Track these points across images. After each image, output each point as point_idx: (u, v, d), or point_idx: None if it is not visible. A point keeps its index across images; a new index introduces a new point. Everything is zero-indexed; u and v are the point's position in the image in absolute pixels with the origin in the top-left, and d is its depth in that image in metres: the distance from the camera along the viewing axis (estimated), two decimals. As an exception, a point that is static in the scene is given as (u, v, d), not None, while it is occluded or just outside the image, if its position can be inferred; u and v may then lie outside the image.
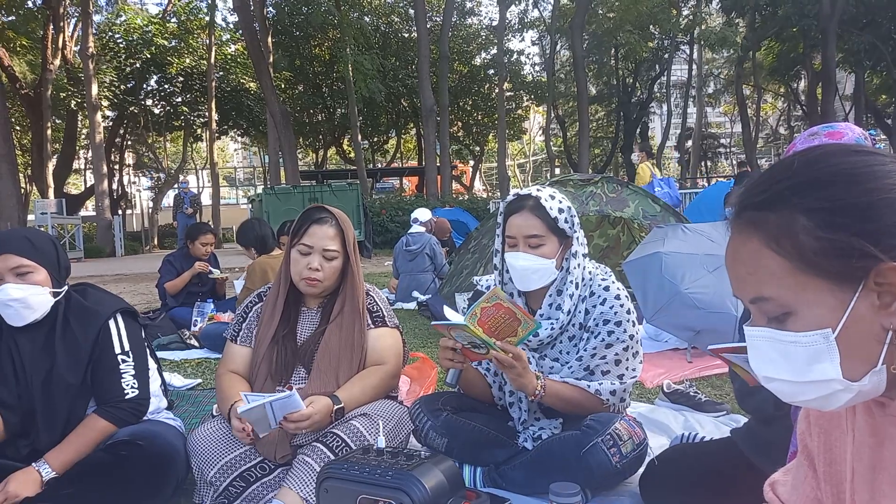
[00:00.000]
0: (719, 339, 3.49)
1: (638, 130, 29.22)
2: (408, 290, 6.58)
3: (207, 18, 22.82)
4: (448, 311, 2.06)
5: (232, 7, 21.35)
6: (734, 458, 1.76)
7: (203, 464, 1.99)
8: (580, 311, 2.04)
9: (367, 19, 24.10)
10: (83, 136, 24.51)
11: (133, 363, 2.08)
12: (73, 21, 21.74)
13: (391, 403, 2.14)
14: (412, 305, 6.25)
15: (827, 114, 19.81)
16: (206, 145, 26.80)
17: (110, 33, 23.53)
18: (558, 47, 28.58)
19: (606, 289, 2.04)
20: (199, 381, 3.82)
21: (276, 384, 2.13)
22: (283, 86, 24.23)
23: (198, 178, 35.44)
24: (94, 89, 18.48)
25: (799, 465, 1.03)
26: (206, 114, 23.78)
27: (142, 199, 31.32)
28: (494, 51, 26.20)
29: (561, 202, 2.02)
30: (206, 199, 26.06)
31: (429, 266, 6.71)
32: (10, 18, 19.42)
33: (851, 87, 26.72)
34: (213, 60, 22.34)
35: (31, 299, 1.96)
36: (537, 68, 31.14)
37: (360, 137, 23.19)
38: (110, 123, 24.52)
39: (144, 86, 24.61)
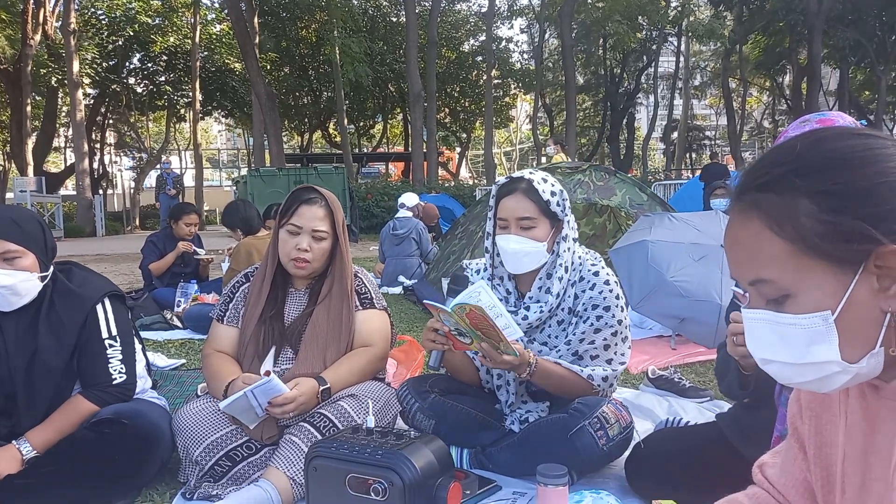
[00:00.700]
0: (703, 328, 3.54)
1: (625, 121, 29.30)
2: (394, 274, 6.57)
3: (192, -3, 22.44)
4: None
5: (218, -15, 21.03)
6: (718, 443, 1.78)
7: (189, 442, 1.98)
8: (569, 296, 2.05)
9: (355, 2, 23.82)
10: (64, 114, 24.06)
11: (120, 348, 2.04)
12: (54, -4, 21.29)
13: (379, 385, 2.14)
14: (398, 290, 6.24)
15: (811, 108, 19.98)
16: (190, 126, 26.43)
17: (92, 9, 23.06)
18: (547, 36, 28.51)
19: (596, 274, 2.04)
20: (183, 361, 3.79)
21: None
22: (268, 67, 23.95)
23: (181, 159, 35.01)
24: (76, 66, 18.14)
25: (788, 448, 1.04)
26: (190, 94, 23.45)
27: (123, 178, 30.88)
28: (483, 37, 26.10)
29: (553, 185, 2.02)
30: (189, 180, 25.82)
31: (415, 251, 6.70)
32: (-12, -9, 18.98)
33: (836, 83, 26.97)
34: (197, 40, 21.98)
35: (20, 286, 1.90)
36: (525, 56, 31.07)
37: (346, 121, 23.03)
38: (92, 101, 24.11)
39: (127, 64, 24.21)
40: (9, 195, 19.27)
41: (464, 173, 35.70)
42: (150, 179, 24.32)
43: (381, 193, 15.99)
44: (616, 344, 2.02)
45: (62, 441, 1.93)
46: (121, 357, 2.04)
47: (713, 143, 37.45)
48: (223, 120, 33.58)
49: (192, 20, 22.37)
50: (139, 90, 25.41)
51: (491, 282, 2.14)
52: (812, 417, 0.97)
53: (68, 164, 25.54)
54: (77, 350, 2.00)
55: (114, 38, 22.58)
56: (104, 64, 22.41)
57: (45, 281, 1.99)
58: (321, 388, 1.98)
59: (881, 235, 0.72)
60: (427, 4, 23.11)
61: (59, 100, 22.92)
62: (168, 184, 15.34)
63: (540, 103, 29.11)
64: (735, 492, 1.10)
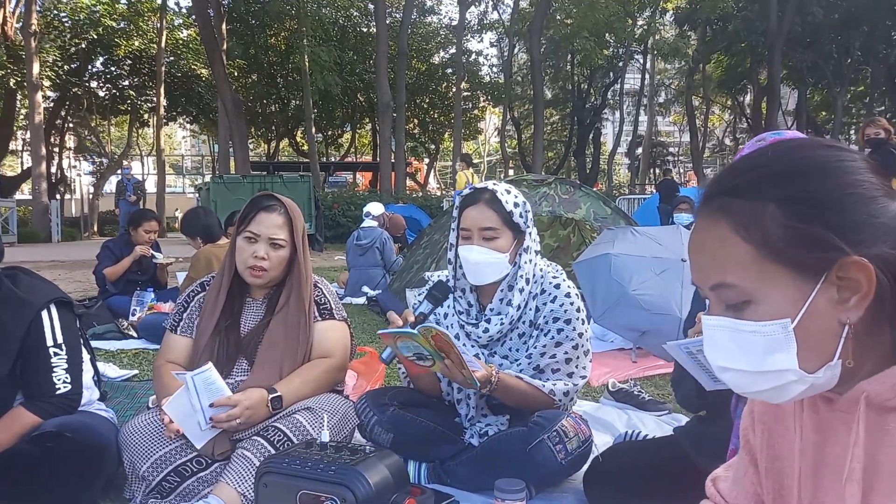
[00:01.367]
0: (664, 340, 3.56)
1: (591, 135, 29.75)
2: (357, 284, 6.50)
3: (159, 1, 22.09)
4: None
5: (185, -10, 20.78)
6: (676, 456, 1.78)
7: (135, 457, 1.91)
8: (531, 309, 2.04)
9: (325, 11, 23.74)
10: (21, 117, 23.40)
11: (66, 356, 1.96)
12: (14, -4, 20.75)
13: (336, 397, 2.09)
14: (362, 300, 6.18)
15: (770, 127, 20.53)
16: (153, 131, 25.96)
17: (55, 11, 22.54)
18: (516, 50, 28.84)
19: (557, 286, 2.04)
20: (136, 371, 3.68)
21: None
22: (236, 74, 23.70)
23: (143, 165, 34.35)
24: (36, 68, 17.67)
25: (740, 461, 1.04)
26: (154, 99, 23.03)
27: (82, 184, 30.13)
28: (453, 50, 26.24)
29: (517, 197, 2.02)
30: (151, 186, 25.30)
31: (379, 261, 6.65)
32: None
33: (794, 103, 27.82)
34: (163, 44, 21.64)
35: None
36: (495, 70, 31.39)
37: (314, 130, 22.88)
38: (51, 104, 23.51)
39: (90, 67, 23.68)
40: (-39, 198, 18.60)
41: (432, 184, 35.75)
42: (111, 185, 23.82)
43: (348, 203, 15.89)
44: (577, 357, 2.01)
45: (1, 455, 1.84)
46: (66, 366, 1.96)
47: (676, 158, 38.25)
48: (188, 126, 33.06)
49: (159, 25, 22.03)
50: (101, 94, 24.87)
51: (452, 294, 2.12)
52: (764, 430, 0.97)
53: (25, 167, 24.84)
54: (20, 358, 1.91)
55: (76, 40, 22.07)
56: (66, 67, 21.87)
57: None
58: (270, 396, 1.92)
59: (845, 246, 0.73)
60: (398, 16, 23.21)
61: (18, 102, 22.30)
62: (128, 190, 15.00)
63: (508, 116, 29.37)
64: (691, 502, 1.10)
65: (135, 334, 4.49)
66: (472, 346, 2.05)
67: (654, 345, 3.66)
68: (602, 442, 2.27)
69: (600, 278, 3.78)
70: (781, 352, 0.76)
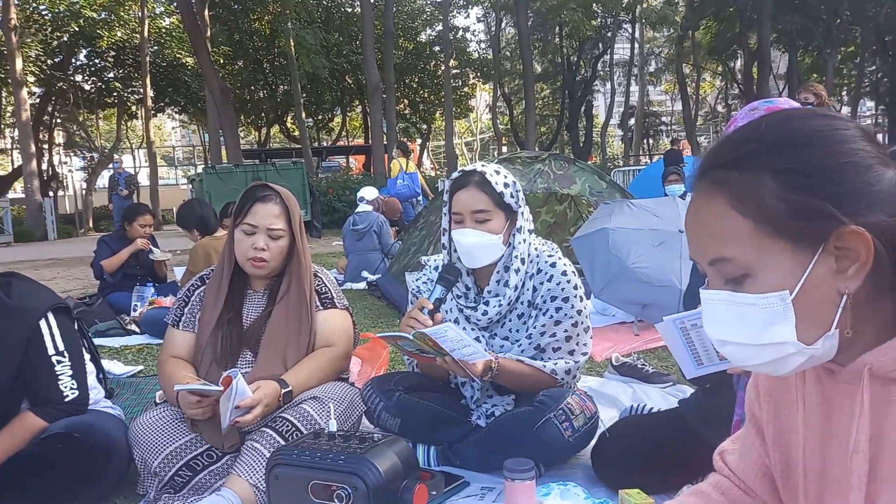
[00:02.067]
0: (665, 313, 3.58)
1: (583, 108, 29.58)
2: (357, 270, 6.50)
3: (140, -11, 21.77)
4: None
5: (166, -22, 20.49)
6: (682, 429, 1.80)
7: (146, 453, 1.92)
8: (528, 289, 2.04)
9: (308, -8, 23.43)
10: (8, 114, 23.16)
11: (69, 363, 1.96)
12: (-8, -10, 20.42)
13: (342, 385, 2.10)
14: (362, 286, 6.19)
15: (762, 92, 20.45)
16: (142, 123, 25.72)
17: (34, 4, 22.17)
18: (504, 24, 28.53)
19: (553, 265, 2.04)
20: (141, 367, 3.69)
21: (221, 369, 2.06)
22: (221, 61, 23.40)
23: (134, 158, 34.07)
24: (19, 64, 17.44)
25: (747, 434, 1.05)
26: (141, 90, 22.77)
27: (74, 179, 29.91)
28: (440, 27, 25.95)
29: (506, 177, 2.01)
30: (143, 179, 25.15)
31: (377, 245, 6.64)
32: (-80, -14, 18.09)
33: (785, 67, 27.67)
34: (146, 34, 21.35)
35: None
36: (483, 45, 31.06)
37: (304, 115, 22.69)
38: (37, 100, 23.24)
39: (73, 60, 23.38)
40: (-48, 200, 18.49)
41: (426, 164, 35.62)
42: (103, 180, 23.63)
43: (343, 187, 15.81)
44: (578, 335, 2.02)
45: (11, 459, 1.85)
46: (71, 373, 1.96)
47: (669, 128, 38.12)
48: (177, 116, 32.74)
49: (140, 13, 21.72)
50: (87, 87, 24.58)
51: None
52: (770, 402, 0.98)
53: (15, 166, 24.64)
54: (22, 369, 1.91)
55: (58, 34, 21.76)
56: (49, 61, 21.60)
57: None
58: (283, 391, 1.93)
59: (842, 215, 0.73)
60: (382, -6, 22.87)
61: (3, 99, 22.06)
62: (120, 184, 14.93)
63: (499, 93, 29.16)
64: (699, 475, 1.11)
65: (137, 330, 4.51)
66: (473, 329, 2.06)
67: (656, 317, 3.68)
68: (608, 417, 2.29)
69: (599, 253, 3.79)
70: (780, 324, 0.77)
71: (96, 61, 23.86)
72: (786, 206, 0.74)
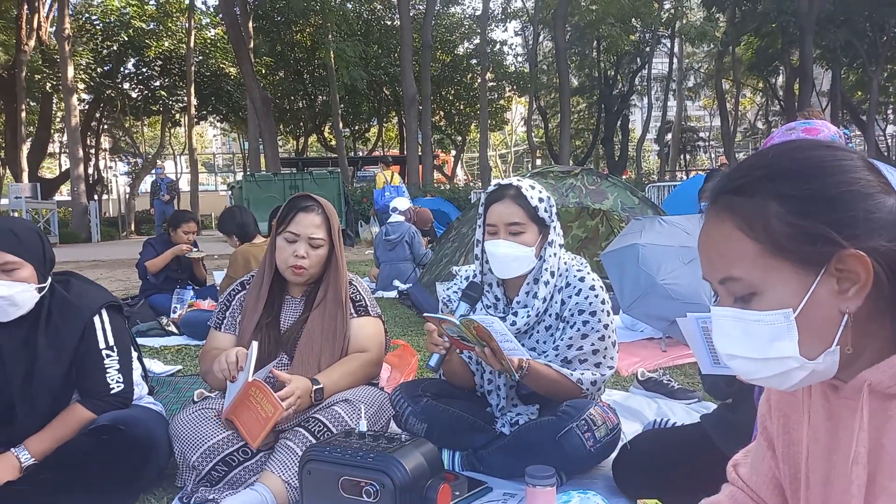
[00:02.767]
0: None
1: (619, 123, 29.41)
2: (388, 279, 6.61)
3: (187, 1, 22.46)
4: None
5: (212, -10, 21.06)
6: (703, 443, 1.82)
7: (186, 448, 2.01)
8: (556, 302, 2.09)
9: (349, 5, 23.87)
10: (58, 120, 24.05)
11: (118, 358, 2.07)
12: (48, 1, 21.27)
13: (373, 389, 2.18)
14: (393, 294, 6.28)
15: (804, 109, 20.07)
16: (185, 130, 26.43)
17: (87, 15, 23.09)
18: (541, 38, 28.60)
19: (582, 279, 2.09)
20: (180, 367, 3.83)
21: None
22: (263, 71, 23.97)
23: (176, 164, 34.97)
24: (70, 72, 18.14)
25: (758, 446, 1.09)
26: (185, 98, 23.48)
27: (118, 184, 30.85)
28: (477, 40, 26.14)
29: (541, 192, 2.08)
30: (184, 185, 25.79)
31: (408, 255, 6.74)
32: (-18, -3, 18.98)
33: (828, 84, 27.11)
34: (192, 44, 22.03)
35: (17, 297, 1.92)
36: (520, 59, 31.17)
37: (341, 125, 23.06)
38: (86, 107, 24.10)
39: (122, 69, 24.22)
40: (3, 201, 19.26)
41: (459, 176, 35.75)
42: (146, 185, 24.35)
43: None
44: (605, 348, 2.06)
45: (60, 448, 1.96)
46: (118, 367, 2.07)
47: (707, 144, 37.59)
48: (218, 124, 33.58)
49: (187, 25, 22.40)
50: (134, 95, 25.41)
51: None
52: (780, 417, 1.02)
53: (63, 169, 25.51)
54: (75, 361, 2.03)
55: (108, 43, 22.58)
56: (99, 69, 22.40)
57: (43, 292, 2.01)
58: (314, 387, 2.02)
59: (843, 240, 0.78)
60: (421, 8, 23.20)
61: (54, 105, 22.90)
62: (162, 189, 15.36)
63: (534, 106, 29.19)
64: (718, 490, 1.15)
65: (176, 331, 4.66)
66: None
67: (683, 336, 3.68)
68: (632, 430, 2.31)
69: (629, 268, 3.81)
70: (784, 339, 0.82)
71: (143, 70, 24.66)
72: (790, 230, 0.80)
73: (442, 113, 28.99)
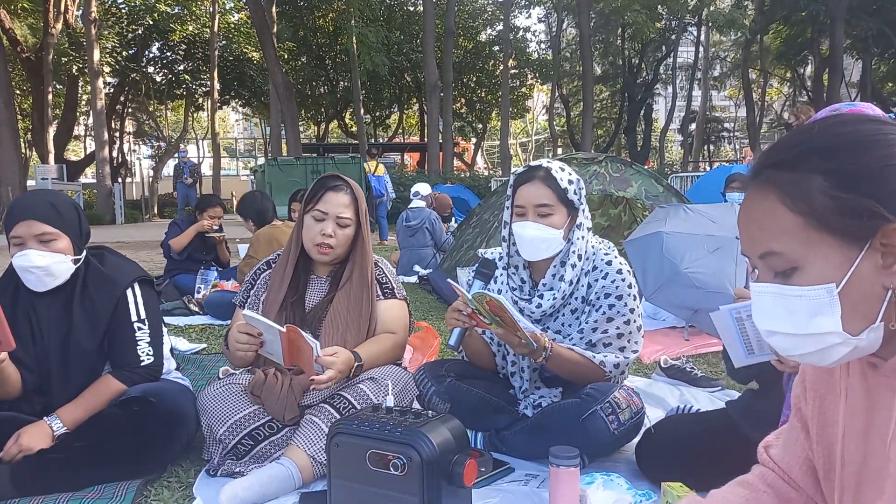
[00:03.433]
0: (717, 319, 3.56)
1: (642, 112, 29.09)
2: (409, 264, 6.63)
3: (211, -15, 22.56)
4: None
5: (236, -25, 21.13)
6: (727, 428, 1.82)
7: (213, 421, 2.04)
8: (582, 285, 2.08)
9: (372, -9, 23.80)
10: (84, 103, 24.34)
11: (149, 331, 2.12)
12: (75, -16, 21.48)
13: (397, 369, 2.19)
14: (413, 279, 6.31)
15: (832, 100, 19.70)
16: (208, 115, 26.63)
17: (112, -2, 23.27)
18: (565, 25, 28.35)
19: (609, 263, 2.08)
20: (205, 345, 3.88)
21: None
22: (286, 56, 24.05)
23: (198, 148, 35.27)
24: (96, 55, 18.33)
25: (791, 428, 1.09)
26: (208, 83, 23.65)
27: (142, 167, 31.20)
28: (500, 27, 25.97)
29: (570, 174, 2.07)
30: (206, 169, 26.02)
31: (429, 241, 6.75)
32: (11, -20, 19.21)
33: (858, 74, 26.56)
34: (216, 29, 22.15)
35: (54, 267, 1.98)
36: (543, 46, 30.93)
37: (362, 111, 23.08)
38: (111, 90, 24.36)
39: (146, 53, 24.42)
40: (30, 182, 19.57)
41: (479, 164, 35.65)
42: (169, 168, 24.60)
43: (397, 183, 16.03)
44: (630, 333, 2.05)
45: (92, 418, 2.00)
46: (149, 339, 2.12)
47: (732, 135, 37.06)
48: (240, 109, 33.78)
49: (211, 9, 22.51)
50: (158, 79, 25.63)
51: (506, 270, 2.19)
52: (816, 398, 1.02)
53: (88, 152, 25.86)
54: (108, 332, 2.07)
55: (133, 26, 22.76)
56: (124, 53, 22.60)
57: (78, 264, 2.06)
58: (356, 363, 2.03)
59: (889, 213, 0.77)
60: (444, -6, 23.02)
61: (80, 88, 23.17)
62: (185, 173, 15.50)
63: (557, 94, 28.96)
64: (742, 475, 1.15)
65: (200, 311, 4.72)
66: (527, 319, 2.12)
67: (707, 323, 3.65)
68: (654, 416, 2.31)
69: (652, 256, 3.78)
70: (826, 315, 0.81)
71: (168, 54, 24.85)
72: (834, 204, 0.79)
73: (463, 100, 28.90)
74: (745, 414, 1.84)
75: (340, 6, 21.83)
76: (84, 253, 2.10)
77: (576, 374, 2.02)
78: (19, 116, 21.39)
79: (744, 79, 27.35)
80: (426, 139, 21.60)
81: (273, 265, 2.35)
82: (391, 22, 24.53)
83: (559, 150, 30.80)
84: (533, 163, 2.11)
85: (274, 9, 19.66)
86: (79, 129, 28.95)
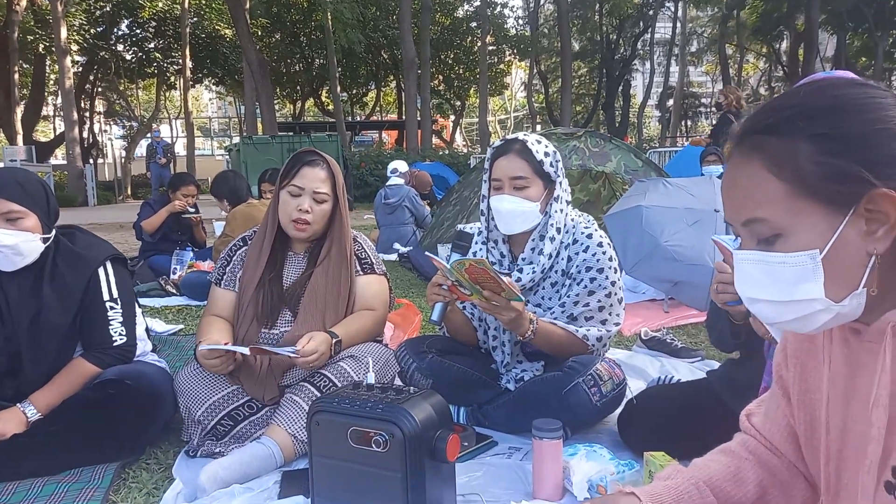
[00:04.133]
0: (697, 292, 3.59)
1: (620, 88, 29.10)
2: (388, 242, 6.59)
3: (181, -40, 21.94)
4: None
5: (206, -51, 20.58)
6: (708, 398, 1.83)
7: (191, 403, 2.02)
8: (563, 258, 2.07)
9: (347, -34, 23.34)
10: (52, 82, 23.70)
11: (121, 310, 2.08)
12: (39, -41, 20.78)
13: (378, 346, 2.17)
14: (393, 257, 6.27)
15: (807, 75, 19.84)
16: (180, 94, 26.11)
17: (79, -26, 22.55)
18: (542, 1, 28.10)
19: (589, 236, 2.07)
20: (181, 326, 3.83)
21: (262, 327, 2.14)
22: (259, 33, 23.58)
23: (171, 128, 34.60)
24: (63, 33, 17.80)
25: (773, 395, 1.09)
26: (180, 61, 23.11)
27: (114, 147, 30.56)
28: (478, 3, 25.69)
29: (547, 146, 2.04)
30: (180, 149, 25.59)
31: (409, 219, 6.71)
32: (-30, -45, 18.53)
33: (833, 49, 26.78)
34: (186, 5, 21.58)
35: (22, 246, 1.93)
36: (521, 22, 30.69)
37: (339, 89, 22.79)
38: (80, 69, 23.72)
39: (115, 30, 23.78)
40: (-1, 164, 19.09)
41: (458, 141, 35.48)
42: (141, 148, 24.12)
43: (375, 162, 15.92)
44: (611, 305, 2.05)
45: (66, 402, 1.96)
46: (121, 319, 2.07)
47: (709, 110, 37.25)
48: (214, 88, 33.17)
49: (181, -16, 21.91)
50: (128, 57, 24.99)
51: (485, 245, 2.17)
52: (797, 365, 1.01)
53: (58, 133, 25.25)
54: (80, 311, 2.03)
55: (101, 3, 22.12)
56: (92, 30, 21.99)
57: (48, 243, 2.01)
58: (334, 340, 2.00)
59: (875, 179, 0.76)
60: (420, -32, 22.67)
61: (47, 67, 22.55)
62: (158, 152, 15.22)
63: (535, 70, 28.83)
64: (723, 443, 1.15)
65: (176, 292, 4.65)
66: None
67: (687, 295, 3.69)
68: (636, 388, 2.32)
69: (632, 230, 3.79)
70: (809, 281, 0.80)
71: (137, 31, 24.23)
72: (820, 170, 0.78)
73: (441, 77, 28.62)
74: (726, 383, 1.86)
75: (314, -19, 21.40)
76: (54, 232, 2.04)
77: (559, 349, 2.01)
78: (-16, 97, 20.77)
79: (720, 54, 27.47)
80: (404, 117, 21.41)
81: (249, 242, 2.30)
82: (367, -2, 24.13)
83: (538, 127, 30.73)
84: (509, 136, 2.09)
85: (246, -16, 19.22)
86: (47, 110, 28.24)
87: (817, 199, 0.79)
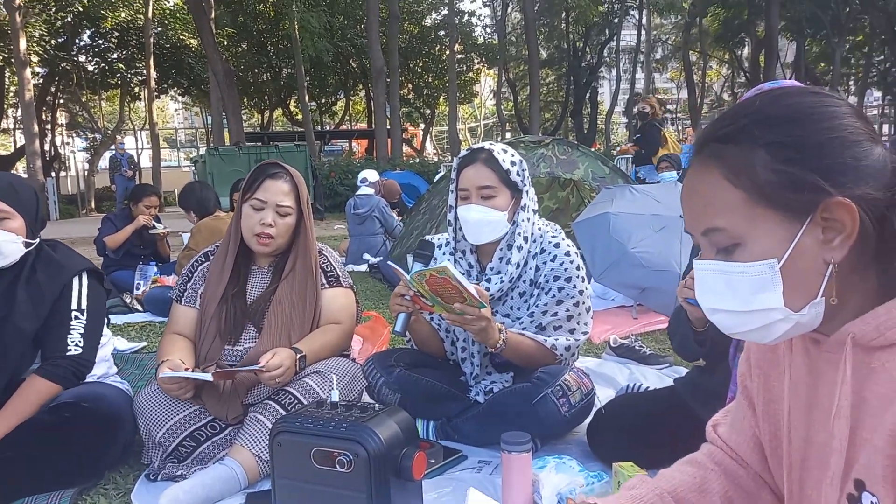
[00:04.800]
0: (664, 297, 3.62)
1: (588, 95, 29.43)
2: (358, 252, 6.54)
3: (144, -31, 21.62)
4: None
5: (170, -42, 20.34)
6: (676, 406, 1.84)
7: (151, 424, 1.96)
8: (531, 268, 2.07)
9: (313, -25, 23.25)
10: (11, 94, 23.13)
11: (85, 322, 2.02)
12: (-4, -31, 20.29)
13: (344, 361, 2.14)
14: (363, 268, 6.22)
15: (768, 80, 20.30)
16: (145, 105, 25.68)
17: (38, -17, 22.06)
18: (509, 9, 28.34)
19: (557, 245, 2.07)
20: (144, 344, 3.74)
21: (225, 343, 2.09)
22: (225, 43, 23.29)
23: (136, 139, 33.98)
24: (23, 44, 17.37)
25: (738, 406, 1.08)
26: (144, 71, 22.72)
27: (76, 160, 29.90)
28: (445, 11, 25.79)
29: (513, 156, 2.04)
30: (145, 161, 25.15)
31: (378, 229, 6.66)
32: (-76, -36, 17.99)
33: (793, 55, 27.48)
34: (150, 15, 21.25)
35: (3, 246, 1.91)
36: (489, 30, 30.86)
37: (307, 98, 22.64)
38: (41, 81, 23.19)
39: (77, 41, 23.30)
40: (-44, 179, 18.48)
41: (429, 149, 35.51)
42: (105, 161, 23.65)
43: (345, 171, 15.82)
44: (579, 314, 2.05)
45: (22, 426, 1.88)
46: (82, 332, 2.01)
47: (674, 115, 37.91)
48: (179, 98, 32.69)
49: (144, -6, 21.58)
50: (90, 68, 24.50)
51: (453, 256, 2.15)
52: (760, 375, 1.01)
53: (18, 146, 24.66)
54: (48, 318, 1.99)
55: (62, 14, 21.65)
56: (52, 41, 21.51)
57: (30, 248, 1.99)
58: (298, 356, 1.97)
59: (830, 187, 0.76)
60: (388, -23, 22.70)
61: (6, 79, 22.01)
62: (123, 165, 14.95)
63: (504, 78, 29.02)
64: (692, 452, 1.14)
65: (140, 308, 4.54)
66: None
67: (655, 301, 3.72)
68: (605, 396, 2.32)
69: (600, 237, 3.82)
70: (768, 291, 0.80)
71: (100, 42, 23.78)
72: (777, 178, 0.78)
73: (410, 86, 28.62)
74: (693, 391, 1.86)
75: (281, -10, 21.25)
76: (38, 240, 2.04)
77: (528, 359, 2.00)
78: (-60, 109, 20.21)
79: (684, 61, 27.95)
80: (373, 126, 21.35)
81: (211, 257, 2.25)
82: (334, 6, 23.99)
83: (507, 134, 30.94)
84: (475, 145, 2.08)
85: (211, -7, 19.01)
86: (7, 122, 27.54)
87: (774, 207, 0.78)
